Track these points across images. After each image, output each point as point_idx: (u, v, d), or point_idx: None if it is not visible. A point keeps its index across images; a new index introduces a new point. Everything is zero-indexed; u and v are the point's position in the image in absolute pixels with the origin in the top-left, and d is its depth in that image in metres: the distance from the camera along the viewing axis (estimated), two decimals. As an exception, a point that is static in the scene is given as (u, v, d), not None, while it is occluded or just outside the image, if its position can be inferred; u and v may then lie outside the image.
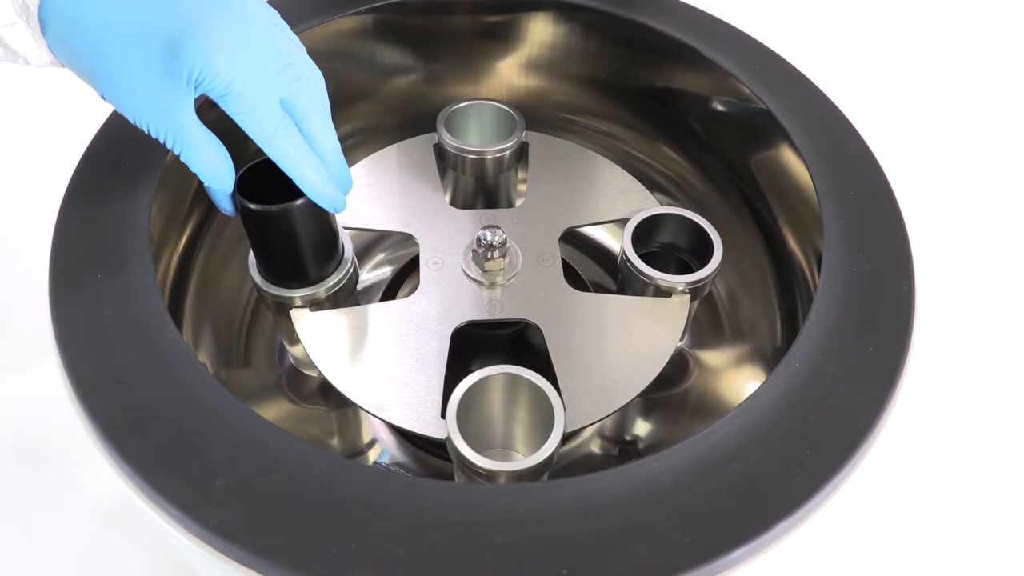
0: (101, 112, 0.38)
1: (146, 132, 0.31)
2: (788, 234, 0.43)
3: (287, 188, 0.33)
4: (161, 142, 0.31)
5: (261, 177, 0.33)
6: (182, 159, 0.31)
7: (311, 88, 0.33)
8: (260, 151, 0.32)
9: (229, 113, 0.31)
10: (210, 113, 0.32)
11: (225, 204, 0.34)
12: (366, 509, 0.26)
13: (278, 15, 0.33)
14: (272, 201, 0.33)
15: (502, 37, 0.50)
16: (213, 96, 0.30)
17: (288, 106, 0.32)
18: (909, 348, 0.31)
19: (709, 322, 0.50)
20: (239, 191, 0.33)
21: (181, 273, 0.41)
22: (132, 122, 0.31)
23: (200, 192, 0.42)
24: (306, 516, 0.26)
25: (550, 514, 0.26)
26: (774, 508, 0.26)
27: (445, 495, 0.27)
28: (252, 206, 0.33)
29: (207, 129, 0.31)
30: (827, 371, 0.30)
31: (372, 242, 0.54)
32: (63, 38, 0.30)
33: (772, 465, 0.27)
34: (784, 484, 0.27)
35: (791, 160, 0.40)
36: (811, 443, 0.28)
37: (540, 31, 0.50)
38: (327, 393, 0.46)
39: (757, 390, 0.29)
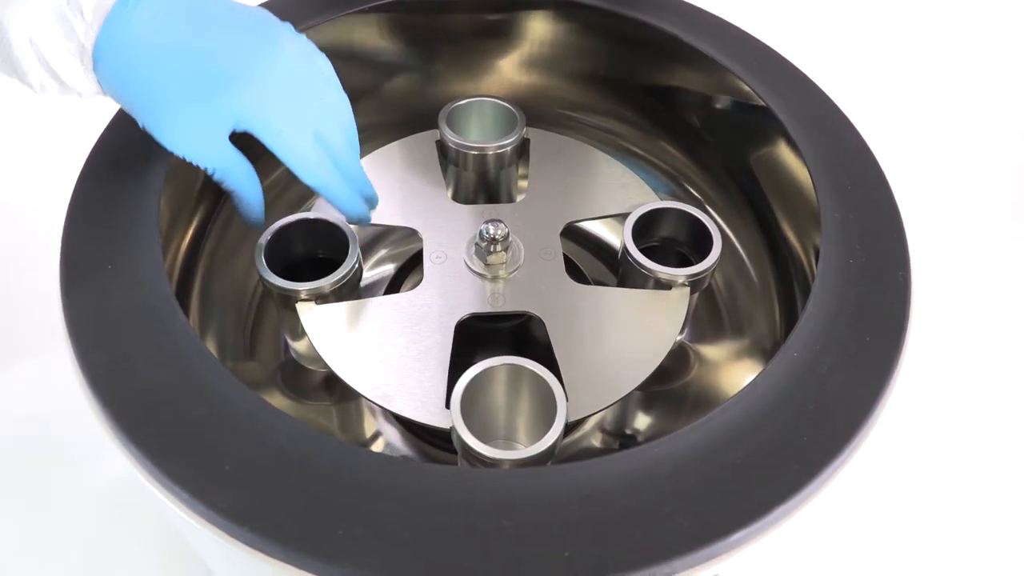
0: (111, 106, 0.39)
1: (180, 157, 0.33)
2: (787, 228, 0.44)
3: (315, 246, 0.40)
4: (195, 165, 0.34)
5: (287, 240, 0.39)
6: (215, 179, 0.35)
7: (339, 119, 0.37)
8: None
9: (268, 146, 0.34)
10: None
11: (249, 216, 0.37)
12: (372, 493, 0.27)
13: (311, 47, 0.36)
14: (302, 252, 0.39)
15: (503, 35, 0.51)
16: (254, 134, 0.33)
17: (319, 136, 0.35)
18: (905, 338, 0.31)
19: (709, 316, 0.51)
20: (267, 256, 0.38)
21: (188, 264, 0.41)
22: (168, 149, 0.33)
23: (208, 184, 0.43)
24: (313, 500, 0.27)
25: (554, 498, 0.27)
26: (772, 493, 0.27)
27: (451, 480, 0.27)
28: (279, 283, 0.38)
29: (237, 151, 0.35)
30: (824, 360, 0.30)
31: (375, 238, 0.55)
32: (112, 75, 0.32)
33: (770, 451, 0.28)
34: (782, 470, 0.27)
35: (789, 155, 0.41)
36: (808, 430, 0.29)
37: (540, 29, 0.50)
38: (330, 386, 0.47)
39: (756, 378, 0.30)
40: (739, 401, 0.29)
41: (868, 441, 0.29)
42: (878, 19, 0.85)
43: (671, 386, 0.47)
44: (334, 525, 0.26)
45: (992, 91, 0.79)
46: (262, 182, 0.47)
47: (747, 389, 0.29)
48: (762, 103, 0.42)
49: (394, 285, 0.48)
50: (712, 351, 0.49)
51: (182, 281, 0.41)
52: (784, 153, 0.41)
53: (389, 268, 0.54)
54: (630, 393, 0.37)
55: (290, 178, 0.49)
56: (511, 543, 0.26)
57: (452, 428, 0.33)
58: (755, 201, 0.47)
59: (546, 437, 0.33)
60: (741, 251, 0.48)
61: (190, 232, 0.42)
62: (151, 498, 0.29)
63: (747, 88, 0.43)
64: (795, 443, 0.28)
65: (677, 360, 0.48)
